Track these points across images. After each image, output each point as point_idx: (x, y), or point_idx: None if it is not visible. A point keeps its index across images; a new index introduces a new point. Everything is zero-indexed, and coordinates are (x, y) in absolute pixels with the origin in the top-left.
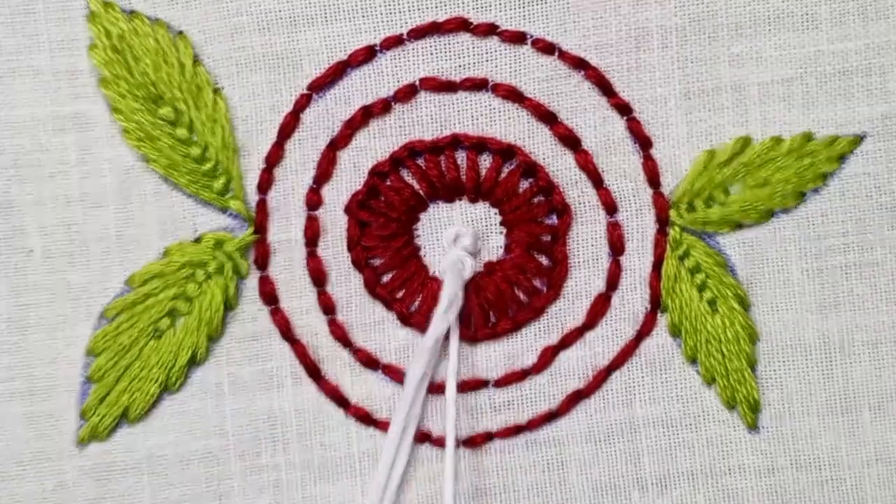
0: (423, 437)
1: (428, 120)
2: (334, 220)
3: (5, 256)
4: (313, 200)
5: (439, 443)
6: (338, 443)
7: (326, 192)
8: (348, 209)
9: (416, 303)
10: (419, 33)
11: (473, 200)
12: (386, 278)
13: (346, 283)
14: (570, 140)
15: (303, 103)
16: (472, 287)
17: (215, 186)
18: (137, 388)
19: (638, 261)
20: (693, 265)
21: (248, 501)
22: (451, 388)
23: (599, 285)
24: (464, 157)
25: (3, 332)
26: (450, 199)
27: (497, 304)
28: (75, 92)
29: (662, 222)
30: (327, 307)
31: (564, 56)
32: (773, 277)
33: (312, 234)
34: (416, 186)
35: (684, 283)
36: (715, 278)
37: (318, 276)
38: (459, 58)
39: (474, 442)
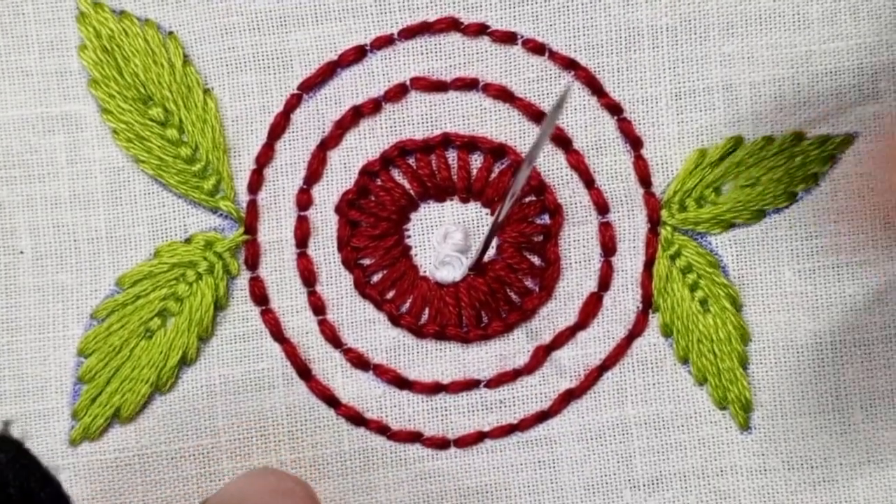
0: (414, 436)
1: (419, 119)
2: (324, 220)
3: None
4: (303, 200)
5: (431, 442)
6: (328, 442)
7: (316, 192)
8: (338, 209)
9: (407, 303)
10: (410, 33)
11: (465, 200)
12: (376, 278)
13: (337, 283)
14: (561, 140)
15: (293, 103)
16: (464, 288)
17: (205, 187)
18: (129, 388)
19: (629, 261)
20: (685, 265)
21: None
22: None
23: (591, 285)
24: (455, 157)
25: None
26: (441, 199)
27: (489, 304)
28: (65, 93)
29: (654, 222)
30: (317, 307)
31: (555, 56)
32: (764, 277)
33: (302, 235)
34: (407, 186)
35: (676, 283)
36: (707, 278)
37: (309, 277)
38: (450, 57)
39: (466, 441)
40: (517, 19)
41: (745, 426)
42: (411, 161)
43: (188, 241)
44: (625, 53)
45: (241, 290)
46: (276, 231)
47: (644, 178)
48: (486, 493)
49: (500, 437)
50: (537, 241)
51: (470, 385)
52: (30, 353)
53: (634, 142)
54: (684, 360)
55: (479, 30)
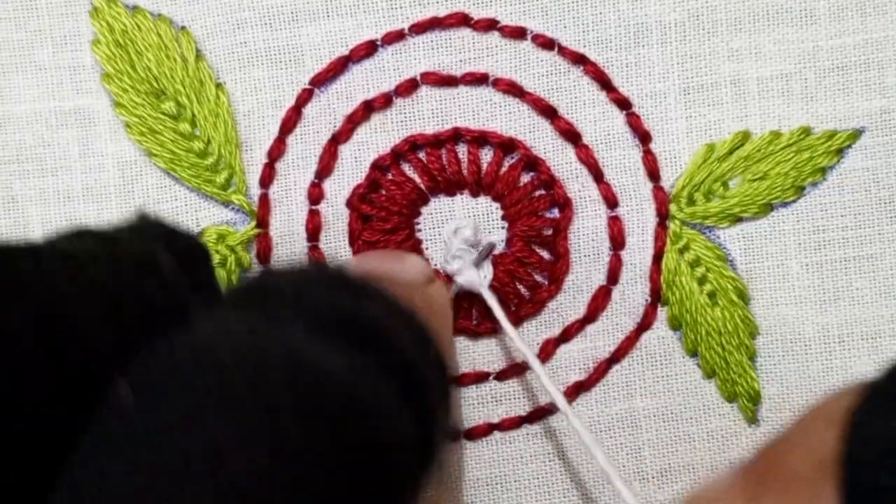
0: None
1: (429, 114)
2: (336, 214)
3: None
4: (315, 194)
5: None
6: None
7: (328, 186)
8: (350, 203)
9: None
10: (420, 28)
11: (475, 194)
12: None
13: None
14: (570, 134)
15: (305, 98)
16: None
17: (217, 181)
18: None
19: (638, 255)
20: (693, 259)
21: None
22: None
23: (600, 279)
24: (465, 151)
25: None
26: (451, 193)
27: (498, 298)
28: (78, 87)
29: (662, 216)
30: None
31: (564, 51)
32: (772, 271)
33: (314, 228)
34: (418, 180)
35: (684, 277)
36: (715, 272)
37: None
38: (460, 53)
39: (476, 433)
40: (527, 15)
41: (753, 419)
42: (422, 155)
43: (200, 234)
44: (633, 48)
45: None
46: (287, 225)
47: (653, 173)
48: (496, 483)
49: (509, 428)
50: (547, 234)
51: (480, 377)
52: None
53: (643, 136)
54: (693, 353)
55: (490, 25)
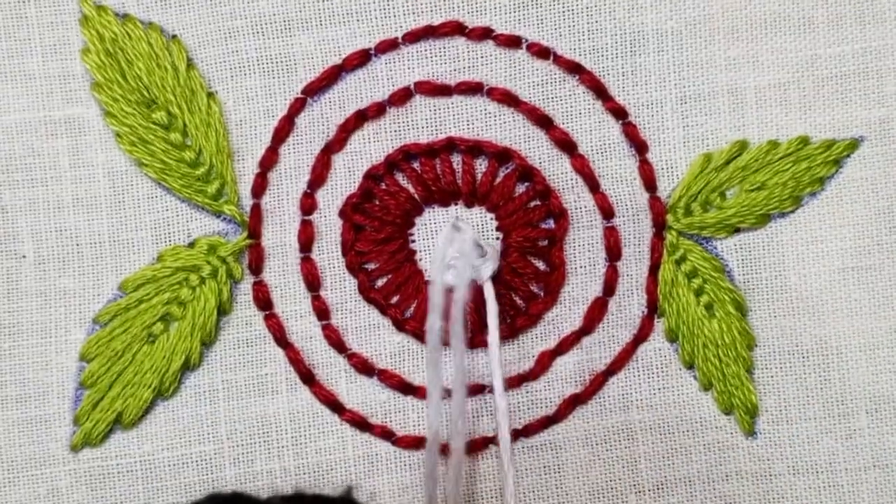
0: (419, 442)
1: (423, 123)
2: (329, 225)
3: None
4: (307, 204)
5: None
6: (333, 448)
7: (321, 196)
8: (343, 213)
9: (411, 308)
10: (414, 37)
11: (469, 205)
12: (380, 283)
13: (341, 287)
14: (566, 144)
15: (297, 107)
16: (469, 292)
17: (209, 191)
18: (131, 393)
19: (635, 265)
20: (690, 269)
21: None
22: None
23: (596, 290)
24: (459, 161)
25: None
26: (445, 203)
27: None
28: (68, 96)
29: (659, 226)
30: (321, 312)
31: (559, 60)
32: (770, 282)
33: (306, 239)
34: (412, 190)
35: (681, 288)
36: (712, 283)
37: (313, 281)
38: (454, 61)
39: (473, 447)
40: (521, 23)
41: (751, 431)
42: (416, 165)
43: (191, 245)
44: (629, 57)
45: (245, 295)
46: (279, 235)
47: (649, 183)
48: (492, 498)
49: None
50: (542, 245)
51: (475, 390)
52: (32, 358)
53: (639, 146)
54: (689, 366)
55: (484, 34)
